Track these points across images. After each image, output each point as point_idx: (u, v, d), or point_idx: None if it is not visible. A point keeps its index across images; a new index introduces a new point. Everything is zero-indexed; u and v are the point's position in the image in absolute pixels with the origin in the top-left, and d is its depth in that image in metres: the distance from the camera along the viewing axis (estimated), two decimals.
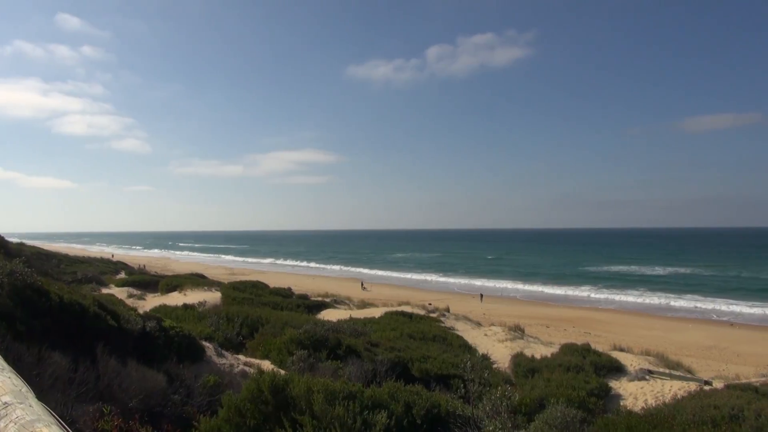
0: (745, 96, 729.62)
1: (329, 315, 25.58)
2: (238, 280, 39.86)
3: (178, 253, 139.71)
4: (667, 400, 13.59)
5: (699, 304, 46.57)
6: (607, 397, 14.53)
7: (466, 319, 27.39)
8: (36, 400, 2.48)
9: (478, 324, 26.36)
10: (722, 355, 26.95)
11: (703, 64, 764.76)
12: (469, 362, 9.30)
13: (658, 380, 15.99)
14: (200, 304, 22.59)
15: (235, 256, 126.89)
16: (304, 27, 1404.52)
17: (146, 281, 35.46)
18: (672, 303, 47.81)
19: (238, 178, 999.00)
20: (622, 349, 20.56)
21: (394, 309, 26.94)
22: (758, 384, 14.60)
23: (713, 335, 32.68)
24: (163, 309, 19.92)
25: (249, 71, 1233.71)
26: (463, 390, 8.58)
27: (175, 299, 27.29)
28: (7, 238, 25.94)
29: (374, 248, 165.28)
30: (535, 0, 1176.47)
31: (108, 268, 45.11)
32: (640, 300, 50.02)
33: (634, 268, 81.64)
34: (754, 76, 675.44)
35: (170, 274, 47.32)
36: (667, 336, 31.92)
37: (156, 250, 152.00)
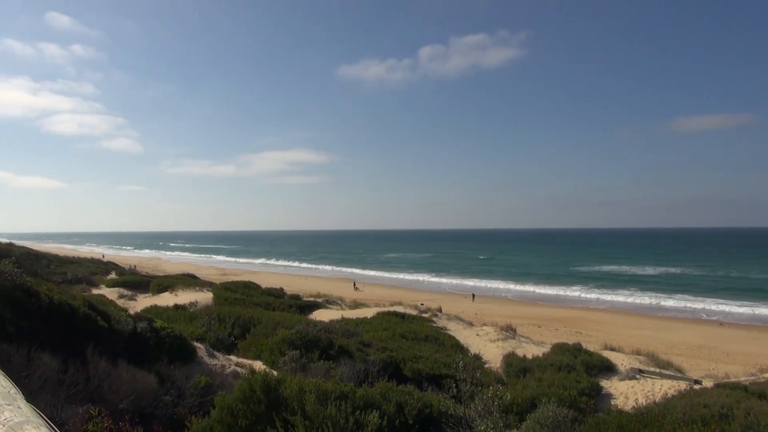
0: (737, 97, 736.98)
1: (321, 315, 25.54)
2: (229, 280, 39.72)
3: (169, 253, 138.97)
4: (657, 399, 13.68)
5: (689, 304, 46.98)
6: (599, 396, 14.60)
7: (458, 319, 27.43)
8: (25, 401, 2.46)
9: (470, 324, 26.41)
10: (712, 354, 27.18)
11: (694, 65, 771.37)
12: (461, 362, 9.31)
13: (649, 379, 16.09)
14: (191, 304, 22.45)
15: (227, 256, 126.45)
16: (297, 26, 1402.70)
17: (137, 282, 35.20)
18: (662, 303, 48.20)
19: (231, 178, 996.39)
20: (613, 349, 20.68)
21: (386, 309, 26.94)
22: (747, 383, 14.74)
23: (703, 335, 32.97)
24: (154, 310, 19.82)
25: (241, 71, 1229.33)
26: (455, 390, 8.59)
27: (166, 300, 27.13)
28: None
29: (367, 248, 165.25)
30: (528, 1, 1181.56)
31: (98, 269, 44.76)
32: (630, 300, 50.37)
33: (625, 268, 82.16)
34: (746, 76, 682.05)
35: (161, 274, 47.05)
36: (658, 335, 32.16)
37: (147, 251, 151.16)
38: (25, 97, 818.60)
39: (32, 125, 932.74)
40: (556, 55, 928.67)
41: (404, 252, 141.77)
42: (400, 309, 27.36)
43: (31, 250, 50.98)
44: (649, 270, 79.00)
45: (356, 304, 32.61)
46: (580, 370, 15.99)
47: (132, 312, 13.00)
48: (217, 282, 37.13)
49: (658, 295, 51.86)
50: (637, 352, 20.16)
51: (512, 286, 62.17)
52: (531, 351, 19.62)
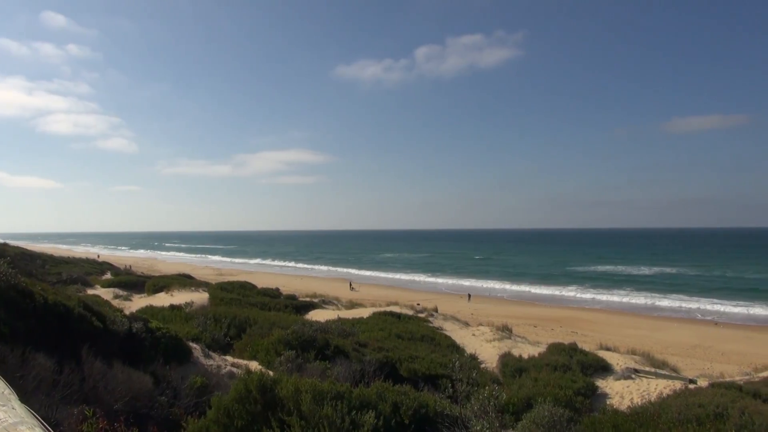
0: (732, 97, 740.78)
1: (317, 315, 25.51)
2: (225, 280, 39.64)
3: (164, 253, 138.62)
4: (652, 399, 13.72)
5: (684, 304, 47.15)
6: (594, 396, 14.62)
7: (454, 319, 27.45)
8: (19, 402, 2.45)
9: (466, 324, 26.43)
10: (707, 353, 27.29)
11: (691, 66, 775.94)
12: (457, 362, 9.32)
13: (644, 379, 16.13)
14: (187, 304, 22.41)
15: (223, 256, 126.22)
16: (293, 26, 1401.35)
17: (132, 282, 35.10)
18: (658, 302, 48.35)
19: (227, 178, 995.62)
20: (608, 349, 20.72)
21: (382, 309, 26.93)
22: (742, 382, 14.79)
23: (698, 334, 33.09)
24: (150, 310, 19.73)
25: (237, 71, 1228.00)
26: (451, 390, 8.60)
27: (161, 300, 27.06)
28: None
29: (363, 248, 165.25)
30: (524, 1, 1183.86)
31: (93, 269, 44.63)
32: (626, 300, 50.53)
33: (620, 268, 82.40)
34: (741, 77, 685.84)
35: (157, 274, 46.95)
36: (653, 335, 32.26)
37: (142, 251, 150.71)
38: (20, 97, 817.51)
39: (27, 125, 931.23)
40: (553, 55, 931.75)
41: (400, 252, 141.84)
42: (396, 309, 27.35)
43: (26, 250, 50.81)
44: (645, 270, 79.26)
45: (352, 305, 32.60)
46: (575, 370, 16.01)
47: (127, 312, 12.95)
48: (213, 282, 37.05)
49: (654, 295, 52.03)
50: (633, 352, 20.21)
51: (508, 286, 62.27)
52: (527, 351, 19.66)
